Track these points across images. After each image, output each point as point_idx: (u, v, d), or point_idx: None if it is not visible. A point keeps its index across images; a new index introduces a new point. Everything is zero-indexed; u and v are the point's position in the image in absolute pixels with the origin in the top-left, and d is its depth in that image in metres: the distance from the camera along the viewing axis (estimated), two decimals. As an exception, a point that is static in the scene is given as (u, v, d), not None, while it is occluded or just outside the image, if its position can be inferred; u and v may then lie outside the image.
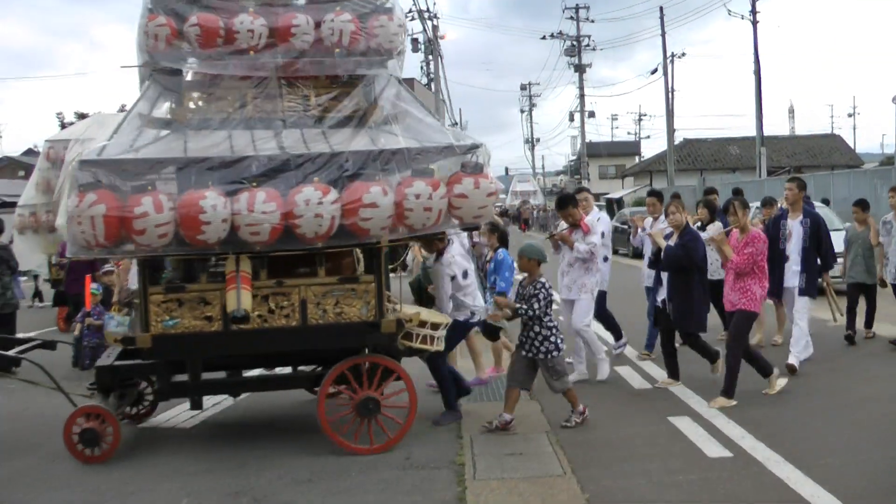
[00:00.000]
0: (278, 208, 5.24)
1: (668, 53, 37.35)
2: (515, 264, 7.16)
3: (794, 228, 7.94)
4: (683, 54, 67.04)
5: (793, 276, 7.90)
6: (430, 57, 37.72)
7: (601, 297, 8.39)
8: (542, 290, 6.10)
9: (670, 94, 37.11)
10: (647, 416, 6.45)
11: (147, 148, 5.45)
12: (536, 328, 6.11)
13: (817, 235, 7.90)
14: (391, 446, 5.78)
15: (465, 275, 6.70)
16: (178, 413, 7.03)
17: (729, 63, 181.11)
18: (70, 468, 5.67)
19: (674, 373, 7.34)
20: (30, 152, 40.14)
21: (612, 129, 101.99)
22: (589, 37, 44.74)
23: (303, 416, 6.68)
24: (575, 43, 44.40)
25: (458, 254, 6.75)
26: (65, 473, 5.59)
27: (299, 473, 5.38)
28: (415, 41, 38.64)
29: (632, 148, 64.76)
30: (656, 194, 9.36)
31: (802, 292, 7.84)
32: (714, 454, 5.45)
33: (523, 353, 6.19)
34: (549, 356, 6.10)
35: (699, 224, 9.00)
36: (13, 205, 14.58)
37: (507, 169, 57.54)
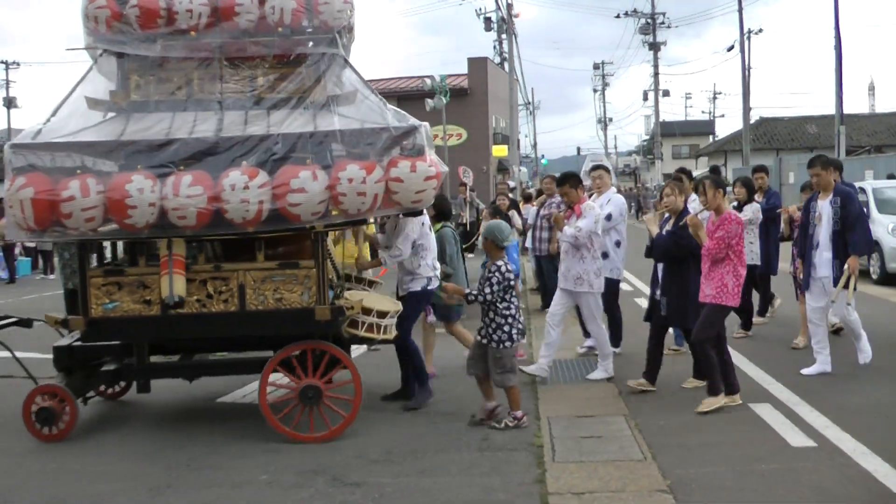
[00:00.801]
0: (205, 192, 5.13)
1: (745, 30, 35.68)
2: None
3: (824, 210, 6.93)
4: (760, 30, 64.36)
5: (824, 264, 6.87)
6: (504, 36, 37.13)
7: (612, 287, 7.81)
8: (496, 273, 5.76)
9: (747, 72, 35.43)
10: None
11: (87, 131, 5.44)
12: (491, 314, 5.81)
13: (845, 213, 6.81)
14: (334, 437, 5.63)
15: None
16: (253, 389, 6.79)
17: (807, 39, 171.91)
18: (141, 442, 5.79)
19: (651, 376, 6.60)
20: None
21: (685, 107, 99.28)
22: (663, 14, 43.51)
23: (378, 394, 6.68)
24: (649, 20, 43.09)
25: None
26: (141, 446, 5.71)
27: (375, 453, 5.35)
28: (487, 20, 38.20)
29: (706, 127, 62.62)
30: (684, 172, 8.62)
31: (836, 282, 6.81)
32: (797, 443, 5.24)
33: (479, 338, 5.92)
34: (500, 346, 5.77)
35: (735, 204, 8.48)
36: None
37: (578, 149, 56.78)
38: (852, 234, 6.76)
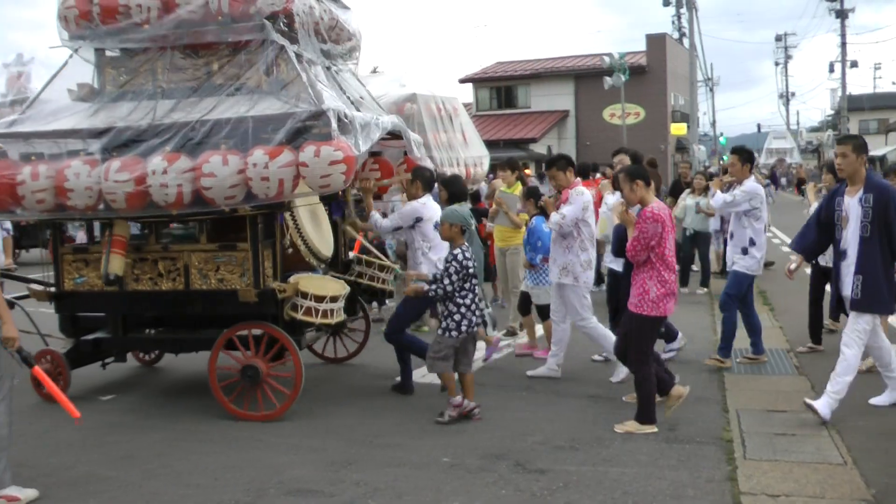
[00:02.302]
0: (131, 176, 5.44)
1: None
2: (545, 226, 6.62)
3: (852, 209, 5.42)
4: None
5: (849, 281, 5.44)
6: (683, 10, 34.99)
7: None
8: (454, 262, 5.55)
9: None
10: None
11: (61, 120, 5.97)
12: (448, 302, 5.64)
13: (884, 217, 5.28)
14: (276, 416, 5.77)
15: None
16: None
17: None
18: (325, 417, 5.92)
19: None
20: None
21: (874, 79, 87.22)
22: (852, -23, 38.34)
23: (563, 382, 6.65)
24: (836, -14, 38.33)
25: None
26: (324, 421, 5.81)
27: (560, 439, 5.25)
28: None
29: (897, 100, 54.15)
30: (738, 152, 7.31)
31: (854, 304, 5.33)
32: None
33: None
34: (445, 333, 5.58)
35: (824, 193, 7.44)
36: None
37: (759, 126, 52.16)
38: None
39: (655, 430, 5.31)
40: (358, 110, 6.63)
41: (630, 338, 5.38)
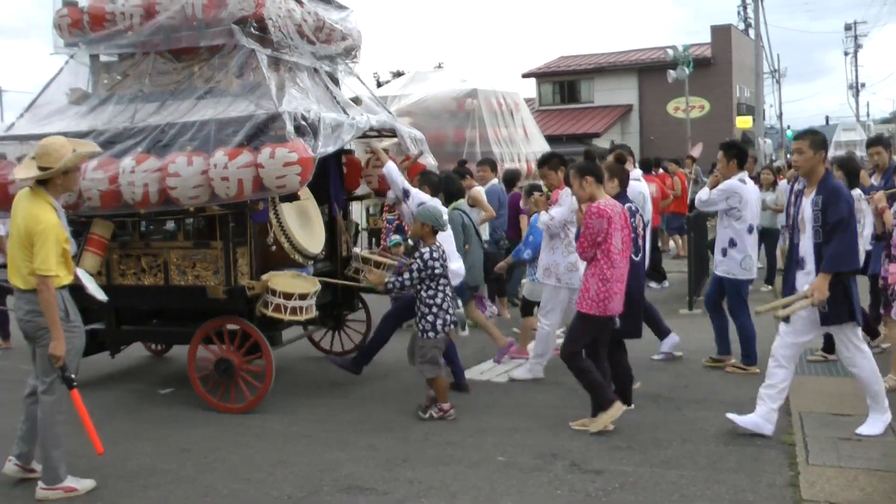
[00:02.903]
0: (105, 175, 5.72)
1: None
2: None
3: (806, 211, 5.04)
4: None
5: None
6: (748, 0, 33.80)
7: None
8: (418, 260, 5.62)
9: None
10: None
11: (53, 123, 6.32)
12: (418, 302, 5.72)
13: (825, 218, 4.90)
14: (248, 408, 5.97)
15: None
16: (490, 366, 7.21)
17: None
18: (380, 413, 5.93)
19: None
20: None
21: None
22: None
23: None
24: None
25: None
26: (379, 417, 5.84)
27: (617, 439, 5.17)
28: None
29: (973, 89, 50.33)
30: (727, 147, 6.99)
31: (823, 319, 4.95)
32: None
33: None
34: (423, 335, 5.67)
35: None
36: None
37: (827, 118, 49.37)
38: (827, 245, 4.87)
39: (622, 409, 5.33)
40: (344, 111, 6.79)
41: (567, 336, 5.41)
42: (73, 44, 6.42)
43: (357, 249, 7.63)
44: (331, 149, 5.88)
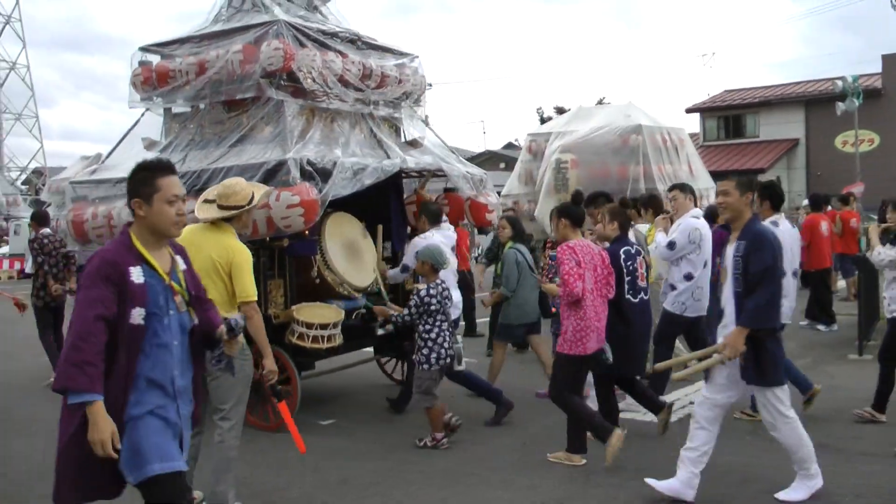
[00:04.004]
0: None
1: None
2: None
3: (728, 259, 4.70)
4: None
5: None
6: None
7: (673, 323, 6.79)
8: (415, 296, 5.95)
9: None
10: None
11: (122, 167, 7.16)
12: (416, 336, 6.00)
13: (746, 266, 4.53)
14: (275, 428, 6.28)
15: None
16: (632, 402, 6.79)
17: None
18: (540, 451, 5.72)
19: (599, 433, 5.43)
20: (510, 146, 43.78)
21: None
22: None
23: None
24: None
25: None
26: (542, 455, 5.63)
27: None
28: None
29: None
30: (760, 188, 6.63)
31: (744, 376, 4.59)
32: None
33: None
34: (419, 366, 5.94)
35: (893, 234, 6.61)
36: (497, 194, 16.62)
37: None
38: (749, 296, 4.48)
39: (583, 462, 5.34)
40: (387, 154, 7.12)
41: (553, 373, 5.50)
42: (147, 98, 7.26)
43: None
44: (348, 191, 6.22)
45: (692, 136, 20.01)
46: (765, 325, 4.45)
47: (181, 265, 3.28)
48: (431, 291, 5.87)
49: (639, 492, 4.84)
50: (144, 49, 7.31)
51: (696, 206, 9.83)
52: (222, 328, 3.31)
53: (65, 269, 8.47)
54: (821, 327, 11.01)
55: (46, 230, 8.52)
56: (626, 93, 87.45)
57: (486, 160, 37.87)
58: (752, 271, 4.44)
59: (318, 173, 6.01)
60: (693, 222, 6.83)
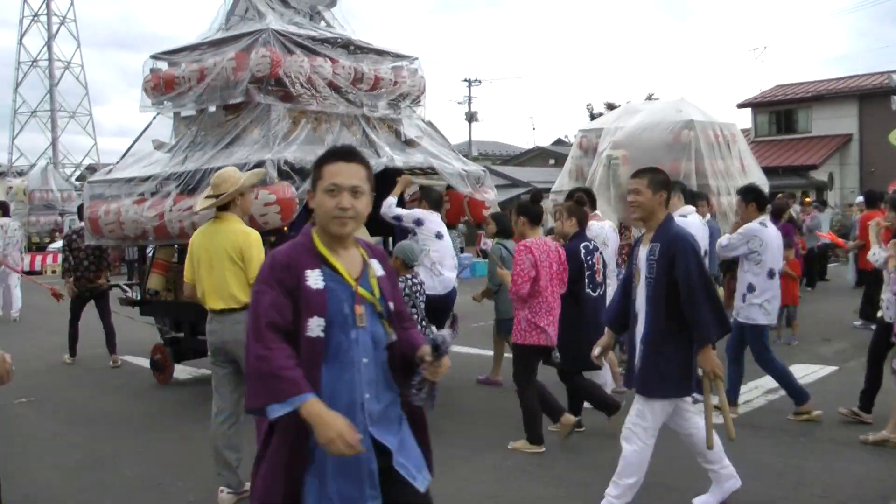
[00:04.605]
0: (156, 212, 6.94)
1: None
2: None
3: (641, 262, 4.39)
4: None
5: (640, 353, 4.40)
6: None
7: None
8: None
9: None
10: None
11: (131, 169, 7.76)
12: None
13: (668, 275, 4.19)
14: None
15: None
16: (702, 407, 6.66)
17: None
18: (594, 454, 5.58)
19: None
20: (559, 142, 43.45)
21: None
22: None
23: (846, 429, 6.13)
24: None
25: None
26: (594, 457, 5.50)
27: (841, 494, 4.78)
28: None
29: None
30: (744, 191, 6.89)
31: (641, 388, 4.31)
32: None
33: None
34: None
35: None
36: (546, 191, 15.80)
37: None
38: (692, 311, 4.14)
39: (542, 450, 5.54)
40: (377, 154, 7.52)
41: (513, 365, 5.77)
42: (158, 103, 7.83)
43: None
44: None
45: (743, 131, 19.62)
46: (722, 335, 4.26)
47: (377, 270, 2.71)
48: (400, 285, 6.20)
49: (690, 494, 4.66)
50: (155, 57, 7.89)
51: (708, 205, 9.95)
52: (425, 348, 2.62)
53: (97, 262, 9.03)
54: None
55: (80, 224, 9.19)
56: (675, 88, 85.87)
57: (536, 157, 37.92)
58: (681, 278, 4.13)
59: (297, 173, 6.44)
60: (680, 221, 6.88)
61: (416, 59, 8.56)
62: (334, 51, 7.50)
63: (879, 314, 6.44)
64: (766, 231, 6.48)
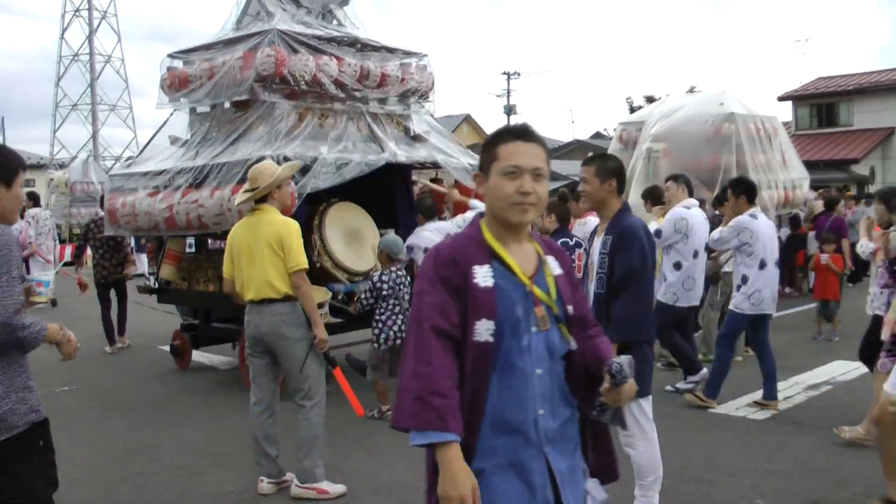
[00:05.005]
0: (166, 204, 7.27)
1: None
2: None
3: (595, 254, 4.17)
4: None
5: None
6: None
7: (667, 314, 6.93)
8: (369, 281, 6.51)
9: None
10: None
11: (147, 164, 8.11)
12: (371, 319, 6.56)
13: (612, 264, 3.99)
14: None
15: None
16: (746, 402, 6.82)
17: None
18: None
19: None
20: (598, 135, 43.32)
21: None
22: None
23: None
24: None
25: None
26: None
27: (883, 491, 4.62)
28: None
29: None
30: (734, 183, 6.95)
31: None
32: None
33: None
34: (371, 346, 6.54)
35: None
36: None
37: None
38: (616, 304, 3.92)
39: None
40: (382, 149, 7.73)
41: None
42: (175, 100, 8.17)
43: None
44: (329, 183, 6.87)
45: (784, 124, 19.26)
46: (638, 338, 3.90)
47: (554, 269, 2.38)
48: (384, 277, 6.40)
49: (728, 489, 4.74)
50: (171, 56, 8.22)
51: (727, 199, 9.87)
52: (606, 368, 2.26)
53: (115, 251, 9.40)
54: None
55: (101, 214, 9.59)
56: (716, 80, 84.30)
57: (575, 149, 37.67)
58: (616, 272, 3.92)
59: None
60: (681, 212, 7.00)
61: (426, 55, 8.75)
62: (340, 49, 7.72)
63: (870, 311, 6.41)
64: (756, 223, 6.55)
